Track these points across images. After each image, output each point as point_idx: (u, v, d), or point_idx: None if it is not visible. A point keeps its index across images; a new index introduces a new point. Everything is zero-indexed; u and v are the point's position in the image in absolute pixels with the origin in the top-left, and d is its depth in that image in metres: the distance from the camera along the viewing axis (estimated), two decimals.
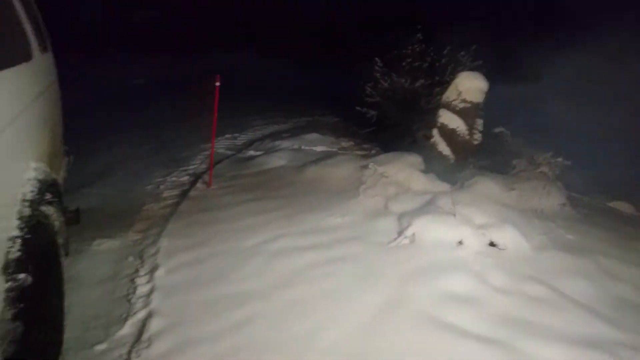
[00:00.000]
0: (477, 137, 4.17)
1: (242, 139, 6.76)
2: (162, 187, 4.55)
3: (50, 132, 2.48)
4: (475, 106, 4.12)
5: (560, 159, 4.19)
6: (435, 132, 4.21)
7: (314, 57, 13.00)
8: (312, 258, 2.83)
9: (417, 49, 6.70)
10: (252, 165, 5.23)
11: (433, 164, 4.17)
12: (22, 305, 1.54)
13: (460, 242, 3.04)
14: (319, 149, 5.92)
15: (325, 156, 5.31)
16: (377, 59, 6.87)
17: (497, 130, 4.80)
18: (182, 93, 9.07)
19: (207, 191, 4.36)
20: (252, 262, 2.87)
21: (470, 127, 4.12)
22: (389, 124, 6.48)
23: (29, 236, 1.62)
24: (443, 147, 4.07)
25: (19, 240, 1.56)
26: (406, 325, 2.27)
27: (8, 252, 1.52)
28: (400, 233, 3.14)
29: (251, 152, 5.93)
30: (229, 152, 5.99)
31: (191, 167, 5.28)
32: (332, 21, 13.42)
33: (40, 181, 1.84)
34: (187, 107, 7.87)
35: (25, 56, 2.18)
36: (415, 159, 4.15)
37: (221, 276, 2.76)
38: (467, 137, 4.16)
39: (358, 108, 6.73)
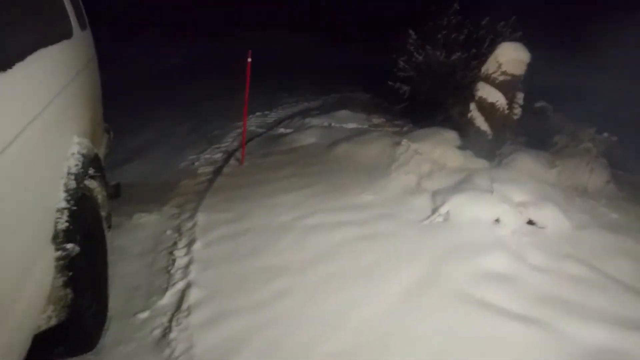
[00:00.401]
0: (517, 111, 3.99)
1: (272, 116, 6.76)
2: (196, 164, 4.64)
3: (91, 108, 2.55)
4: (516, 79, 3.92)
5: (605, 135, 3.96)
6: (472, 106, 4.06)
7: (346, 33, 12.71)
8: (345, 234, 2.83)
9: (454, 20, 6.42)
10: (282, 142, 5.24)
11: (469, 140, 4.04)
12: (71, 273, 1.62)
13: (497, 220, 2.96)
14: (350, 126, 5.85)
15: (357, 133, 5.24)
16: (411, 31, 6.64)
17: (538, 104, 4.58)
18: (215, 72, 9.11)
19: (240, 168, 4.42)
20: (287, 237, 2.91)
21: (510, 101, 3.94)
22: (422, 99, 6.31)
23: (75, 208, 1.69)
24: (481, 122, 3.92)
25: (66, 212, 1.63)
26: (442, 303, 2.26)
27: (57, 223, 1.59)
28: (434, 211, 3.09)
29: (281, 130, 5.93)
30: (260, 130, 6.01)
31: (224, 144, 5.34)
32: None
33: (83, 155, 1.90)
34: (219, 86, 7.91)
35: (66, 33, 2.24)
36: (450, 135, 4.03)
37: (257, 250, 2.81)
38: (507, 111, 3.98)
39: (390, 83, 6.58)
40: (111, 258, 2.77)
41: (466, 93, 5.18)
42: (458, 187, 3.26)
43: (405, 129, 5.76)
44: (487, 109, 3.93)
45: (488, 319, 2.16)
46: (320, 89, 8.17)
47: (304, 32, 13.20)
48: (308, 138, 5.25)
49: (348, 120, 6.05)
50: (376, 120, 6.32)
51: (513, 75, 3.93)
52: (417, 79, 6.50)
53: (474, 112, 4.01)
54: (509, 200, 3.07)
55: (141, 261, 2.87)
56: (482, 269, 2.57)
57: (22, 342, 1.40)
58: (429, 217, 3.03)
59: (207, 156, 4.93)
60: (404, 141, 3.90)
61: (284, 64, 9.66)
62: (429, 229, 2.92)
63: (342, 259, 2.61)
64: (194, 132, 5.73)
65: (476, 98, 3.99)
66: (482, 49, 6.04)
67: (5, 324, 1.27)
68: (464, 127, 4.35)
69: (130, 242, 3.07)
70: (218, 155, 4.96)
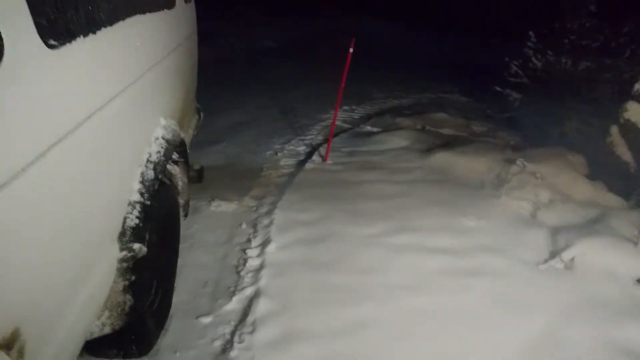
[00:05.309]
0: None
1: (359, 111, 6.41)
2: (279, 154, 4.45)
3: (185, 87, 2.37)
4: None
5: None
6: (614, 130, 3.32)
7: (450, 24, 11.78)
8: (441, 264, 2.39)
9: (587, 23, 5.52)
10: (370, 142, 4.85)
11: (602, 170, 3.33)
12: (134, 277, 1.40)
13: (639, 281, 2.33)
14: (447, 131, 5.29)
15: (455, 141, 4.69)
16: (531, 32, 5.85)
17: None
18: (306, 57, 8.95)
19: (323, 165, 4.13)
20: (371, 253, 2.54)
21: None
22: (534, 110, 5.54)
23: (149, 202, 1.47)
24: (623, 151, 3.19)
25: (138, 206, 1.42)
26: None
27: (126, 219, 1.38)
28: (554, 254, 2.52)
29: (368, 128, 5.55)
30: (346, 126, 5.68)
31: (308, 137, 5.10)
32: None
33: (167, 141, 1.69)
34: (309, 72, 7.73)
35: (168, 2, 2.04)
36: (576, 159, 3.36)
37: (336, 263, 2.48)
38: None
39: (498, 88, 5.88)
40: (183, 245, 2.64)
41: (591, 109, 4.41)
42: (588, 228, 2.64)
43: (511, 142, 5.05)
44: (635, 135, 3.18)
45: None
46: (413, 86, 7.62)
47: (403, 22, 12.56)
48: (399, 140, 4.80)
49: (445, 125, 5.50)
50: (477, 128, 5.67)
51: None
52: (531, 87, 5.73)
53: (616, 137, 3.28)
54: None
55: (212, 254, 2.69)
56: (616, 341, 2.00)
57: (70, 352, 1.20)
58: (546, 260, 2.47)
59: (291, 147, 4.72)
60: (519, 160, 3.30)
61: (377, 56, 9.18)
62: (547, 275, 2.37)
63: (438, 294, 2.18)
64: (281, 119, 5.57)
65: (621, 121, 3.25)
66: (620, 61, 5.13)
67: (52, 333, 1.06)
68: (593, 151, 3.62)
69: (205, 230, 2.92)
70: (302, 148, 4.73)
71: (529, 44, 5.83)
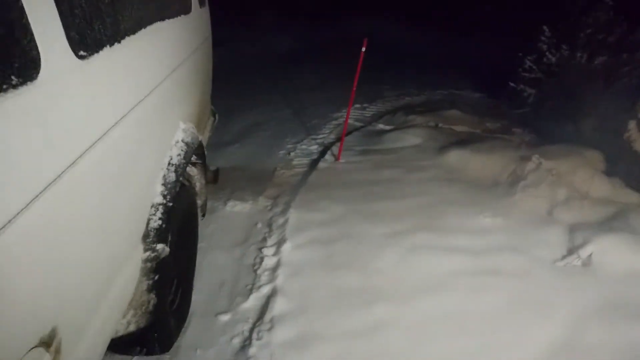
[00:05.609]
0: None
1: (371, 109, 6.40)
2: (292, 154, 4.48)
3: (201, 90, 2.42)
4: None
5: None
6: (632, 125, 3.28)
7: (460, 24, 11.70)
8: (458, 264, 2.40)
9: (603, 17, 5.42)
10: (383, 140, 4.85)
11: (619, 166, 3.28)
12: (157, 276, 1.45)
13: None
14: (460, 129, 5.26)
15: (469, 138, 4.66)
16: (545, 27, 5.77)
17: None
18: (318, 59, 8.97)
19: (336, 164, 4.15)
20: (387, 254, 2.56)
21: None
22: (549, 106, 5.47)
23: (171, 204, 1.51)
24: None
25: (161, 208, 1.46)
26: None
27: (149, 220, 1.43)
28: (571, 251, 2.50)
29: (381, 126, 5.54)
30: (358, 124, 5.69)
31: (320, 136, 5.13)
32: None
33: (187, 144, 1.73)
34: (324, 73, 7.75)
35: (185, 8, 2.09)
36: (594, 155, 3.32)
37: (351, 264, 2.50)
38: None
39: (512, 84, 5.82)
40: (201, 245, 2.69)
41: (606, 104, 4.33)
42: (606, 225, 2.62)
43: (526, 138, 5.00)
44: None
45: None
46: (425, 83, 7.58)
47: (416, 21, 12.48)
48: (412, 138, 4.79)
49: (458, 122, 5.46)
50: (490, 125, 5.62)
51: None
52: (545, 83, 5.66)
53: (634, 133, 3.24)
54: None
55: (229, 254, 2.74)
56: (637, 341, 1.98)
57: (99, 349, 1.25)
58: (564, 257, 2.46)
59: (304, 147, 4.75)
60: (535, 157, 3.27)
61: (389, 54, 9.16)
62: (565, 273, 2.35)
63: (456, 295, 2.19)
64: (294, 120, 5.60)
65: None
66: (637, 55, 5.03)
67: (85, 331, 1.11)
68: (608, 147, 3.57)
69: (222, 230, 2.97)
70: (314, 147, 4.75)
71: (543, 38, 5.76)
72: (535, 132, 5.17)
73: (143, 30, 1.43)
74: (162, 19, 1.67)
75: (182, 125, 1.78)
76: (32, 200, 0.81)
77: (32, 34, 0.82)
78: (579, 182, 3.02)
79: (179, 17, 1.97)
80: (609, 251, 2.41)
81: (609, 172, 3.27)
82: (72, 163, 0.94)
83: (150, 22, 1.52)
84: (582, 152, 3.39)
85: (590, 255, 2.43)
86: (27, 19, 0.81)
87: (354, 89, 4.02)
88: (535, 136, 5.05)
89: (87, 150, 1.00)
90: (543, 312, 2.07)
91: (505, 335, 1.96)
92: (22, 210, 0.78)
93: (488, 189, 3.26)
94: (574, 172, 3.10)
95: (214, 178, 2.74)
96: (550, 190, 2.99)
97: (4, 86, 0.75)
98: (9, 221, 0.75)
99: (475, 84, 7.60)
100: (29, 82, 0.81)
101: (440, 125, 5.35)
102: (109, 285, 1.21)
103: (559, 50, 5.62)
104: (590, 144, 3.77)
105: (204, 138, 2.45)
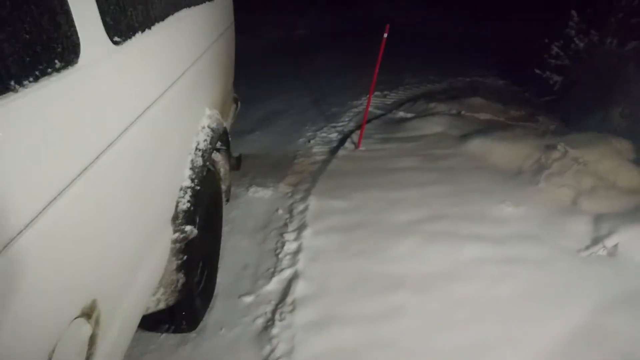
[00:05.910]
0: None
1: (392, 97, 6.34)
2: (312, 141, 4.50)
3: (225, 77, 2.46)
4: None
5: None
6: None
7: (482, 8, 11.41)
8: (478, 251, 2.39)
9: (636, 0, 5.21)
10: (403, 128, 4.81)
11: None
12: (185, 256, 1.50)
13: None
14: (483, 116, 5.17)
15: (492, 126, 4.59)
16: (573, 11, 5.58)
17: None
18: (339, 45, 8.91)
19: (356, 152, 4.15)
20: (406, 241, 2.57)
21: None
22: (576, 94, 5.32)
23: (198, 187, 1.56)
24: None
25: (189, 191, 1.51)
26: None
27: (178, 203, 1.48)
28: (596, 241, 2.46)
29: (401, 114, 5.49)
30: (378, 112, 5.65)
31: (340, 124, 5.12)
32: None
33: (213, 130, 1.77)
34: (344, 60, 7.71)
35: None
36: (622, 144, 3.23)
37: (370, 250, 2.53)
38: None
39: (537, 71, 5.67)
40: (225, 229, 2.76)
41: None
42: (632, 215, 2.56)
43: (551, 127, 4.89)
44: None
45: None
46: (447, 70, 7.45)
47: (436, 5, 12.24)
48: (433, 126, 4.74)
49: (481, 110, 5.36)
50: (514, 112, 5.51)
51: None
52: (573, 69, 5.49)
53: None
54: None
55: (252, 238, 2.79)
56: None
57: (132, 324, 1.32)
58: (588, 247, 2.43)
59: (323, 135, 4.76)
60: (560, 145, 3.20)
61: (410, 40, 9.02)
62: (589, 263, 2.33)
63: (475, 282, 2.19)
64: (314, 107, 5.61)
65: None
66: None
67: (121, 306, 1.17)
68: (635, 135, 3.47)
69: (244, 215, 3.03)
70: (334, 135, 4.76)
71: (571, 24, 5.58)
72: (561, 120, 5.04)
73: (171, 17, 1.46)
74: (189, 5, 1.70)
75: (207, 112, 1.82)
76: (74, 179, 0.86)
77: (72, 20, 0.86)
78: (606, 171, 2.95)
79: (204, 4, 1.99)
80: (636, 242, 2.37)
81: (638, 162, 3.18)
82: (110, 144, 0.98)
83: (178, 9, 1.55)
84: (610, 140, 3.31)
85: (616, 246, 2.39)
86: (68, 5, 0.85)
87: (375, 76, 3.99)
88: (561, 124, 4.93)
89: (122, 132, 1.04)
90: (565, 300, 2.06)
91: (523, 323, 1.96)
92: (65, 188, 0.83)
93: (511, 177, 3.22)
94: (600, 160, 3.03)
95: (237, 164, 2.79)
96: (575, 179, 2.93)
97: (49, 70, 0.79)
98: (54, 199, 0.80)
99: (499, 70, 7.43)
100: (70, 67, 0.86)
101: (462, 112, 5.26)
102: (141, 263, 1.27)
103: (587, 35, 5.44)
104: (619, 132, 3.67)
105: (227, 124, 2.50)
